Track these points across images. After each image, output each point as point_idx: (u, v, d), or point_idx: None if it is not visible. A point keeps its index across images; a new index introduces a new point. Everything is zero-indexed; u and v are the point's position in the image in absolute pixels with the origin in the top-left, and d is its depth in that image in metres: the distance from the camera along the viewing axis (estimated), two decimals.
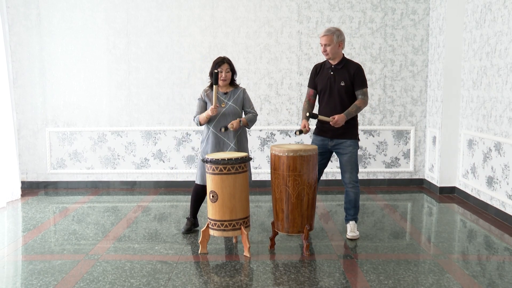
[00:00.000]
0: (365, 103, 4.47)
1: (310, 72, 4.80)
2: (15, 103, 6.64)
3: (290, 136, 6.73)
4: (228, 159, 4.02)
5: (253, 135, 6.71)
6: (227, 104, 4.58)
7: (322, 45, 4.44)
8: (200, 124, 4.61)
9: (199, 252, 4.25)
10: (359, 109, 4.44)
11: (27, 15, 6.57)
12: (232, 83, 4.68)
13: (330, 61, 4.53)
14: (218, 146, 4.59)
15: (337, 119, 4.33)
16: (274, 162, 4.19)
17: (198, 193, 4.77)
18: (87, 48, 6.64)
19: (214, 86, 4.41)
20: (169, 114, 6.72)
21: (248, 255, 4.14)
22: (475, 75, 5.76)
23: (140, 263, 4.05)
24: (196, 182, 4.73)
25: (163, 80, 6.68)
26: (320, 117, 4.38)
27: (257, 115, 4.72)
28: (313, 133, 4.68)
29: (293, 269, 3.89)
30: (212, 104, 4.53)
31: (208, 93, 4.64)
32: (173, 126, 6.73)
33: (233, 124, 4.47)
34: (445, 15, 6.09)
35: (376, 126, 6.73)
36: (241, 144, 4.66)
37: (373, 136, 6.75)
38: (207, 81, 4.80)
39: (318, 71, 4.62)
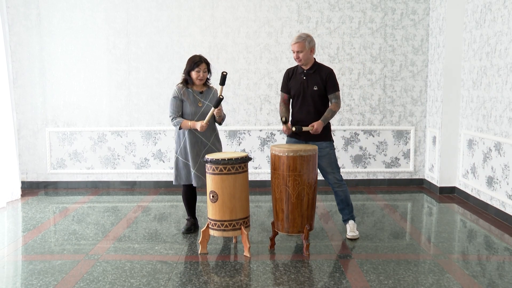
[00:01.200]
0: (338, 106, 4.53)
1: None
2: (15, 103, 6.64)
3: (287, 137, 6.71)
4: (228, 159, 4.02)
5: (253, 135, 6.72)
6: (203, 104, 4.60)
7: (294, 52, 4.46)
8: (180, 129, 4.58)
9: (199, 252, 4.25)
10: (334, 113, 4.51)
11: (27, 15, 6.56)
12: (206, 83, 4.69)
13: (303, 66, 4.56)
14: (196, 145, 4.58)
15: (316, 127, 4.38)
16: (274, 162, 4.19)
17: (187, 193, 4.78)
18: (87, 48, 6.64)
19: (213, 109, 4.40)
20: (168, 114, 6.70)
21: (248, 255, 4.14)
22: (475, 75, 5.75)
23: (140, 263, 4.04)
24: (174, 183, 4.73)
25: (163, 80, 6.67)
26: (304, 128, 4.40)
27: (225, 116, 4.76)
28: (287, 136, 4.67)
29: (293, 269, 3.89)
30: (195, 103, 4.53)
31: (184, 91, 4.59)
32: (173, 127, 6.71)
33: (216, 111, 4.47)
34: (445, 15, 6.09)
35: (376, 126, 6.73)
36: (217, 142, 4.71)
37: (373, 136, 6.75)
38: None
39: (291, 75, 4.65)
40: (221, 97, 4.37)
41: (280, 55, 6.63)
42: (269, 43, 6.62)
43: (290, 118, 4.67)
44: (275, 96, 6.67)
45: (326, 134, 4.56)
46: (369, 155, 6.79)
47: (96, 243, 4.56)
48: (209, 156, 4.12)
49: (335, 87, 4.52)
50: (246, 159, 4.13)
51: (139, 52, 6.64)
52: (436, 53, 6.37)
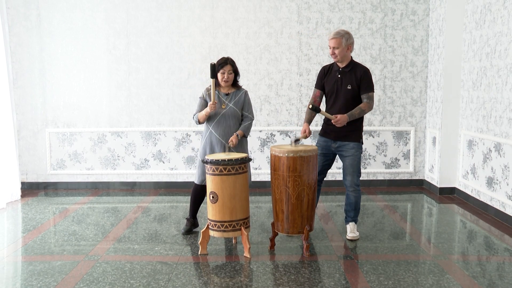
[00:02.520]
0: (369, 107, 4.45)
1: (317, 73, 4.78)
2: (15, 103, 6.63)
3: (290, 137, 6.72)
4: (228, 159, 4.02)
5: (253, 136, 6.71)
6: (227, 106, 4.56)
7: (330, 48, 4.42)
8: (199, 122, 4.58)
9: (199, 253, 4.25)
10: (363, 112, 4.43)
11: (27, 15, 6.56)
12: (235, 84, 4.65)
13: (338, 63, 4.51)
14: (216, 146, 4.57)
15: (339, 119, 4.33)
16: (274, 162, 4.19)
17: (198, 193, 4.75)
18: (87, 49, 6.64)
19: (212, 80, 4.37)
20: (169, 115, 6.72)
21: (248, 256, 4.14)
22: (475, 75, 5.75)
23: (140, 264, 4.04)
24: (195, 182, 4.72)
25: (163, 80, 6.67)
26: (323, 112, 4.37)
27: (253, 119, 4.69)
28: (318, 134, 4.68)
29: (293, 270, 3.89)
30: (219, 103, 4.52)
31: (210, 93, 4.60)
32: (173, 127, 6.73)
33: (232, 141, 4.46)
34: (445, 15, 6.09)
35: (376, 126, 6.73)
36: (241, 147, 4.64)
37: (373, 137, 6.75)
38: (207, 81, 4.79)
39: (326, 72, 4.61)
40: (212, 63, 4.37)
41: (280, 55, 6.63)
42: (269, 44, 6.62)
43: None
44: (275, 96, 6.67)
45: (356, 135, 4.51)
46: (369, 155, 6.78)
47: (96, 244, 4.56)
48: (209, 157, 4.12)
49: (369, 87, 4.45)
50: (246, 160, 4.13)
51: (139, 52, 6.64)
52: (436, 53, 6.37)
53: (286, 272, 3.85)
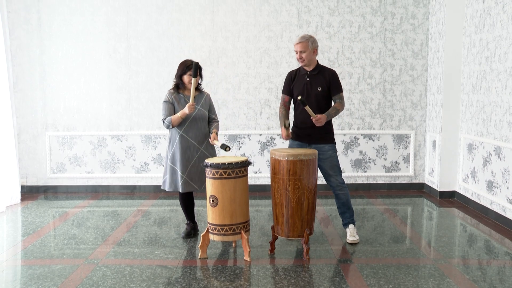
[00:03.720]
0: (342, 106, 4.56)
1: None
2: (15, 107, 6.63)
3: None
4: (228, 163, 4.02)
5: (253, 140, 6.71)
6: (196, 108, 4.58)
7: (297, 52, 4.48)
8: (172, 126, 4.53)
9: (199, 256, 4.24)
10: (338, 111, 4.53)
11: (28, 19, 6.57)
12: (198, 87, 4.66)
13: (305, 67, 4.56)
14: (188, 150, 4.57)
15: (320, 118, 4.36)
16: (274, 166, 4.18)
17: (184, 199, 4.76)
18: (88, 52, 6.64)
19: (193, 79, 4.35)
20: (161, 118, 6.70)
21: (248, 260, 4.13)
22: (475, 79, 5.76)
23: (140, 267, 4.03)
24: (165, 189, 4.70)
25: (163, 84, 6.67)
26: (307, 108, 4.37)
27: (219, 122, 4.78)
28: (290, 138, 4.64)
29: (293, 274, 3.88)
30: (189, 102, 4.47)
31: (175, 96, 4.59)
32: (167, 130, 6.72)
33: (216, 139, 4.52)
34: (444, 19, 6.10)
35: (376, 130, 6.73)
36: (210, 148, 4.69)
37: (373, 141, 6.75)
38: (205, 86, 4.79)
39: (294, 77, 4.64)
40: (195, 62, 4.37)
41: (280, 59, 6.63)
42: (269, 48, 6.62)
43: (290, 121, 4.67)
44: (275, 100, 6.67)
45: (328, 137, 4.58)
46: (369, 159, 6.78)
47: (96, 247, 4.55)
48: (209, 161, 4.11)
49: (338, 88, 4.56)
50: (246, 164, 4.12)
51: (139, 56, 6.65)
52: (435, 57, 6.38)
53: (286, 276, 3.84)
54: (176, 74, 4.60)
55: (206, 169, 4.12)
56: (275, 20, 6.59)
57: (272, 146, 6.73)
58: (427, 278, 3.80)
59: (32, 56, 6.63)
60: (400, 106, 6.70)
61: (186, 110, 4.42)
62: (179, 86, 4.63)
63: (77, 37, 6.62)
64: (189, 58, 4.66)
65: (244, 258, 4.17)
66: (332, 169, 4.56)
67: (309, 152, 4.18)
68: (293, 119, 4.71)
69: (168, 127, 4.55)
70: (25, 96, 6.68)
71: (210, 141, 4.55)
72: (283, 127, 4.52)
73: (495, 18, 5.29)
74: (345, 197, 4.61)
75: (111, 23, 6.60)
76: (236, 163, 4.04)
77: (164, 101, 4.60)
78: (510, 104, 5.02)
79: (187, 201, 4.77)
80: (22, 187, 6.72)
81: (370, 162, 6.79)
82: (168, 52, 6.64)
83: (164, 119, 4.55)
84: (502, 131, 5.18)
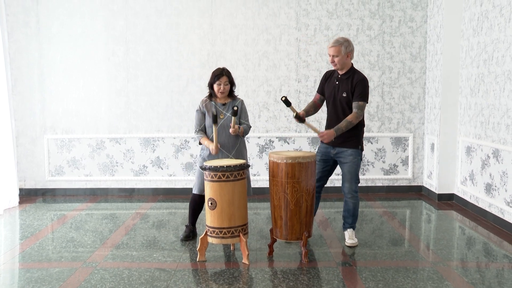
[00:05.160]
0: (357, 118, 4.38)
1: (316, 79, 4.80)
2: (13, 110, 6.62)
3: (288, 143, 6.72)
4: (227, 166, 4.01)
5: (252, 142, 6.70)
6: (225, 116, 4.56)
7: (330, 56, 4.44)
8: (200, 144, 4.62)
9: (197, 259, 4.23)
10: (351, 124, 4.36)
11: (27, 22, 6.57)
12: (231, 94, 4.65)
13: (339, 70, 4.53)
14: (217, 157, 4.54)
15: (325, 134, 4.35)
16: (273, 169, 4.18)
17: (196, 203, 4.75)
18: (86, 55, 6.64)
19: (213, 126, 4.38)
20: (167, 121, 6.72)
21: (246, 263, 4.13)
22: (473, 82, 5.77)
23: (138, 270, 4.02)
24: (193, 192, 4.71)
25: (162, 87, 6.67)
26: (308, 124, 4.41)
27: (250, 127, 4.71)
28: (321, 141, 4.62)
29: (291, 277, 3.88)
30: (216, 114, 4.43)
31: (206, 104, 4.59)
32: (171, 133, 6.73)
33: (235, 128, 4.42)
34: (442, 22, 6.11)
35: (374, 133, 6.73)
36: (240, 154, 4.63)
37: (372, 143, 6.75)
38: (205, 88, 4.78)
39: (328, 78, 4.65)
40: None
41: (279, 62, 6.64)
42: (267, 51, 6.62)
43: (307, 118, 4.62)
44: (274, 103, 6.67)
45: (354, 141, 4.49)
46: (368, 162, 6.78)
47: (94, 250, 4.54)
48: (207, 163, 4.11)
49: (361, 95, 4.39)
50: (244, 166, 4.12)
51: (138, 59, 6.64)
52: (434, 60, 6.39)
53: (285, 279, 3.84)
54: (208, 82, 4.61)
55: (204, 172, 4.11)
56: (274, 23, 6.59)
57: (270, 149, 6.74)
58: (426, 281, 3.79)
59: (31, 59, 6.62)
60: (398, 109, 6.71)
61: (210, 149, 4.46)
62: (212, 94, 4.62)
63: (75, 40, 6.62)
64: (220, 67, 4.63)
65: (243, 261, 4.16)
66: (349, 174, 4.49)
67: (307, 154, 4.17)
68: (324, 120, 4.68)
69: (198, 143, 4.65)
70: (23, 99, 6.67)
71: (230, 131, 4.44)
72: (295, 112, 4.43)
73: (493, 21, 5.31)
74: (354, 205, 4.56)
75: (109, 26, 6.60)
76: (235, 166, 4.03)
77: (196, 110, 4.67)
78: (508, 107, 5.02)
79: (198, 205, 4.75)
80: (20, 190, 6.71)
81: (368, 165, 6.79)
82: (167, 56, 6.63)
83: (196, 130, 4.63)
84: (500, 133, 5.19)
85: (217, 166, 4.01)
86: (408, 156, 6.78)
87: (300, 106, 6.64)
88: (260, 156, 6.76)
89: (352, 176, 4.50)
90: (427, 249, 4.56)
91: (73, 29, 6.61)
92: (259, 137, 6.73)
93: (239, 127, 4.50)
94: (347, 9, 6.57)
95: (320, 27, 6.60)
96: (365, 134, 6.64)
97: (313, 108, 4.71)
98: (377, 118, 6.71)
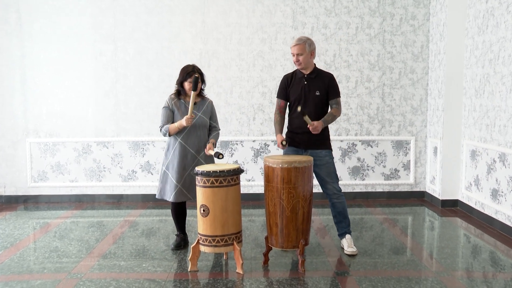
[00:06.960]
0: (339, 112, 4.56)
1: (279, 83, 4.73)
2: None
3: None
4: (220, 171, 3.96)
5: (246, 146, 6.61)
6: (196, 115, 4.53)
7: (294, 55, 4.45)
8: (169, 135, 4.51)
9: (189, 269, 4.14)
10: (334, 117, 4.53)
11: (6, 18, 6.42)
12: (200, 93, 4.61)
13: (302, 70, 4.53)
14: (186, 158, 4.51)
15: (317, 125, 4.33)
16: (268, 174, 4.13)
17: (176, 209, 4.71)
18: (72, 54, 6.52)
19: (192, 92, 4.29)
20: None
21: (240, 272, 4.06)
22: (478, 83, 5.70)
23: (126, 281, 3.92)
24: (156, 197, 4.66)
25: (152, 87, 6.56)
26: (306, 118, 4.33)
27: (220, 130, 4.76)
28: (287, 144, 4.60)
29: (287, 287, 3.79)
30: (187, 114, 4.39)
31: (175, 102, 4.55)
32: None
33: (211, 148, 4.45)
34: (445, 20, 6.06)
35: (374, 136, 6.65)
36: (208, 158, 4.60)
37: (372, 147, 6.66)
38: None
39: (290, 81, 4.62)
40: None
41: (274, 62, 6.54)
42: (262, 50, 6.53)
43: (284, 126, 4.64)
44: (269, 105, 6.57)
45: (325, 143, 4.55)
46: (368, 166, 6.69)
47: (80, 260, 4.42)
48: (199, 168, 4.05)
49: (336, 92, 4.55)
50: (238, 171, 4.06)
51: (127, 58, 6.53)
52: (436, 60, 6.33)
53: None
54: (177, 80, 4.56)
55: (196, 177, 4.06)
56: (269, 22, 6.51)
57: (266, 153, 6.65)
58: None
59: (12, 58, 6.49)
60: (399, 111, 6.63)
61: (183, 122, 4.37)
62: (180, 92, 4.58)
63: (60, 39, 6.49)
64: (190, 64, 4.64)
65: (237, 270, 4.10)
66: (329, 175, 4.53)
67: (304, 159, 4.15)
68: (287, 124, 4.67)
69: (165, 135, 4.53)
70: (3, 101, 6.53)
71: (205, 150, 4.48)
72: (279, 134, 4.50)
73: (499, 19, 5.25)
74: (342, 205, 4.58)
75: (97, 24, 6.49)
76: (228, 171, 3.99)
77: (163, 107, 4.58)
78: None
79: (179, 211, 4.73)
80: (0, 197, 6.59)
81: (368, 170, 6.70)
82: (157, 55, 6.53)
83: (162, 126, 4.54)
84: (506, 137, 5.12)
85: (209, 171, 3.97)
86: (409, 160, 6.71)
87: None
88: (254, 161, 6.65)
89: (332, 176, 4.55)
90: (430, 258, 4.48)
91: (57, 27, 6.48)
92: (253, 141, 6.62)
93: (212, 143, 4.53)
94: (346, 6, 6.50)
95: (318, 26, 6.52)
96: (365, 137, 6.71)
97: (283, 119, 4.67)
98: (377, 120, 6.63)
